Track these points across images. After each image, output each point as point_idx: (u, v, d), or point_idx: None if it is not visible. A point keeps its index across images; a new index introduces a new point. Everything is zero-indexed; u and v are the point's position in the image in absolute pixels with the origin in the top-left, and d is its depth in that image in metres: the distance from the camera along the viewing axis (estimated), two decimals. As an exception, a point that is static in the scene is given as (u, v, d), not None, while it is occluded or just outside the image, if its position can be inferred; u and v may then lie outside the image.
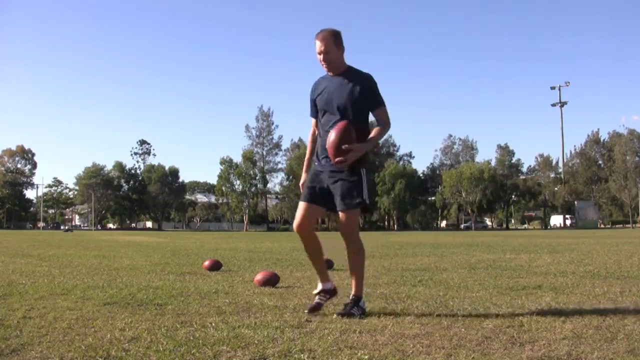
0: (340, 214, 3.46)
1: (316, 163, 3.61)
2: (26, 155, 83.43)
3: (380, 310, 3.58)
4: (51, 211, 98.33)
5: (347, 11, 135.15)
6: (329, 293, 3.62)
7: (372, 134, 3.45)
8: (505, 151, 74.82)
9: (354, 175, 3.42)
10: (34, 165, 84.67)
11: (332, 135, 3.32)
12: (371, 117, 3.60)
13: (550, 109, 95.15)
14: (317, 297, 3.59)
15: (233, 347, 2.53)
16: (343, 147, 3.27)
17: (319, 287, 3.62)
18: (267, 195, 79.03)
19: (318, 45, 3.42)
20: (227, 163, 74.03)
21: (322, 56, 3.43)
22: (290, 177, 73.84)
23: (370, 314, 3.45)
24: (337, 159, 3.29)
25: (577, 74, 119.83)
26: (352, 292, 3.51)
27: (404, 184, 70.11)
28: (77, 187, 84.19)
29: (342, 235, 3.51)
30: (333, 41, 3.41)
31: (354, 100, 3.40)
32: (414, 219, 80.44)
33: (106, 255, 10.29)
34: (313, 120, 3.68)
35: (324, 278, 3.64)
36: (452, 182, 69.52)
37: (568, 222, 70.40)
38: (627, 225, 64.51)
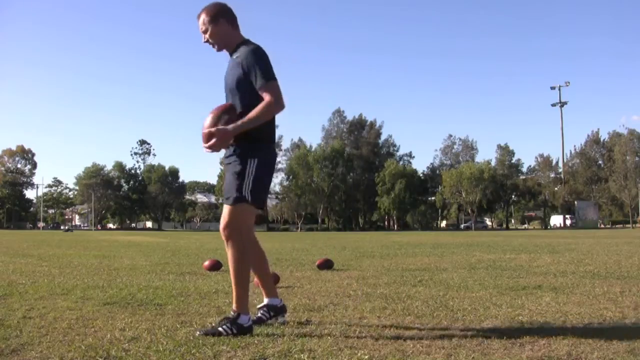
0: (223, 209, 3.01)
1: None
2: (26, 155, 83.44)
3: (380, 310, 3.58)
4: (51, 211, 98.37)
5: (347, 11, 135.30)
6: (275, 310, 3.13)
7: (248, 115, 2.87)
8: (505, 151, 74.76)
9: (240, 165, 2.93)
10: (34, 165, 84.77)
11: (206, 120, 2.93)
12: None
13: (550, 109, 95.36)
14: (259, 311, 3.13)
15: (233, 347, 2.53)
16: (204, 130, 2.88)
17: (265, 301, 3.17)
18: (267, 196, 78.98)
19: (198, 24, 3.09)
20: (227, 163, 73.97)
21: (202, 36, 3.08)
22: (290, 177, 73.80)
23: (370, 314, 3.45)
24: (204, 145, 2.87)
25: (577, 74, 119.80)
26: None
27: (404, 184, 70.11)
28: (77, 187, 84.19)
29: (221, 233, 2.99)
30: (210, 18, 3.03)
31: (238, 80, 2.95)
32: (414, 219, 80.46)
33: (106, 255, 10.28)
34: None
35: (270, 292, 3.18)
36: (452, 182, 69.48)
37: (568, 222, 70.36)
38: (627, 225, 64.44)
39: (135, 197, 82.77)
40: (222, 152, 3.03)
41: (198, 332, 2.83)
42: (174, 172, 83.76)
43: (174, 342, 2.64)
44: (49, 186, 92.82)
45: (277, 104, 2.87)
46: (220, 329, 2.81)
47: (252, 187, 2.90)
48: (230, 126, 2.83)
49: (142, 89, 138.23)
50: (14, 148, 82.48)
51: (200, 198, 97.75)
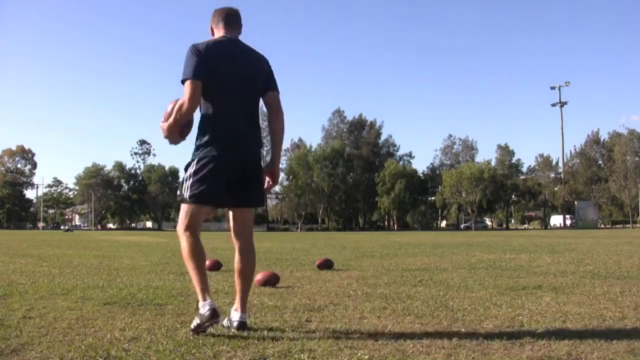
0: None
1: None
2: (26, 155, 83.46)
3: (380, 310, 3.58)
4: (51, 211, 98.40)
5: (347, 9, 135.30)
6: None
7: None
8: (505, 151, 74.73)
9: (185, 166, 3.04)
10: (34, 165, 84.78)
11: (167, 107, 3.02)
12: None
13: (550, 109, 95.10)
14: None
15: (233, 347, 2.54)
16: (160, 124, 3.00)
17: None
18: (267, 195, 79.07)
19: None
20: (227, 163, 73.93)
21: None
22: (290, 177, 73.79)
23: (370, 314, 3.45)
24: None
25: (577, 73, 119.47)
26: None
27: (404, 184, 70.09)
28: (77, 187, 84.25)
29: None
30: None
31: None
32: (414, 219, 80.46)
33: (106, 255, 10.29)
34: None
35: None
36: (452, 182, 69.45)
37: (568, 222, 70.36)
38: (627, 225, 64.42)
39: (135, 197, 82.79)
40: None
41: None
42: (174, 172, 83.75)
43: (174, 342, 2.64)
44: (49, 186, 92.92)
45: (185, 104, 2.84)
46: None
47: (190, 186, 2.96)
48: (166, 124, 2.95)
49: (143, 88, 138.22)
50: (14, 148, 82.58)
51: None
